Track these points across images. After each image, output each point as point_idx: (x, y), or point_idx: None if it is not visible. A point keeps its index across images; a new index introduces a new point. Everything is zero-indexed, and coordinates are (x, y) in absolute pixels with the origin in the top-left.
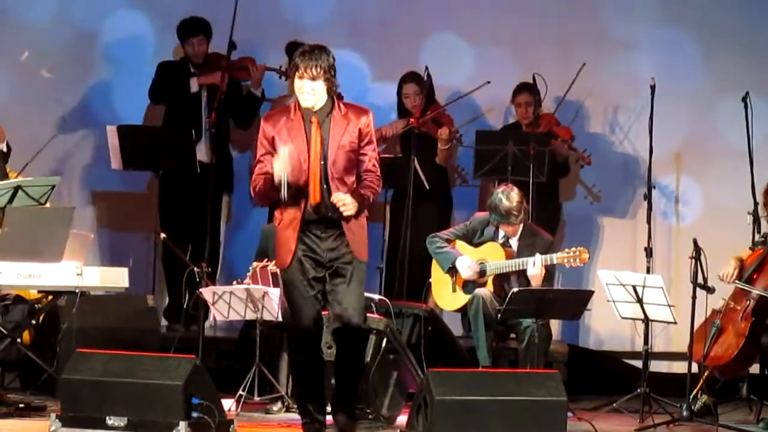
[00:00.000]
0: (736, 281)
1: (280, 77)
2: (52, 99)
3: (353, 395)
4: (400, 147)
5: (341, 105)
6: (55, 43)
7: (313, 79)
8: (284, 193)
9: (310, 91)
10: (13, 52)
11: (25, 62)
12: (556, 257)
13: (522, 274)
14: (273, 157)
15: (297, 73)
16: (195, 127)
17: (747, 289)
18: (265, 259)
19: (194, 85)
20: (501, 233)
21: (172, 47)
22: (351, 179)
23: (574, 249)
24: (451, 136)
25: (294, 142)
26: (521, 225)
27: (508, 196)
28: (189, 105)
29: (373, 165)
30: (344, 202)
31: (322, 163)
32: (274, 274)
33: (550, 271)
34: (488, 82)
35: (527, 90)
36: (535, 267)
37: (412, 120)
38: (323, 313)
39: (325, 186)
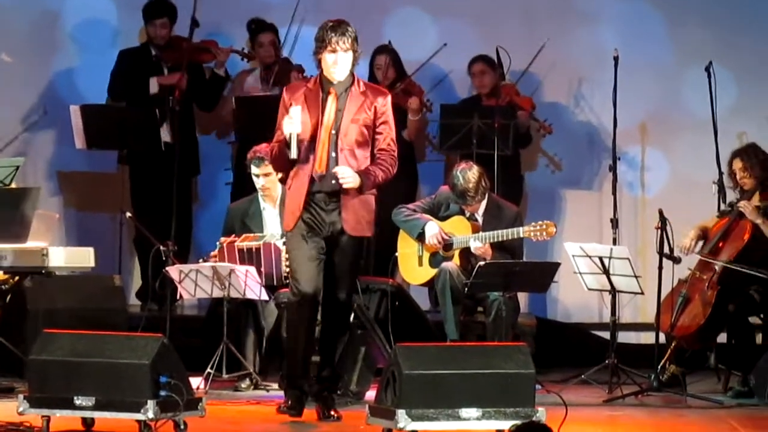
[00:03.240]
0: (696, 252)
1: (242, 59)
2: (15, 82)
3: (333, 369)
4: None
5: (361, 82)
6: (18, 23)
7: (346, 51)
8: (294, 151)
9: (345, 63)
10: None
11: None
12: (522, 231)
13: (490, 247)
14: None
15: (328, 48)
16: (159, 108)
17: (710, 261)
18: (233, 235)
19: (153, 86)
20: (465, 208)
21: (136, 28)
22: (363, 154)
23: (541, 222)
24: (421, 105)
25: (309, 110)
26: (485, 200)
27: (464, 176)
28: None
29: (388, 144)
30: (344, 174)
31: (333, 132)
32: (240, 251)
33: (516, 244)
34: (445, 44)
35: (482, 60)
36: (475, 244)
37: None
38: None
39: (333, 155)
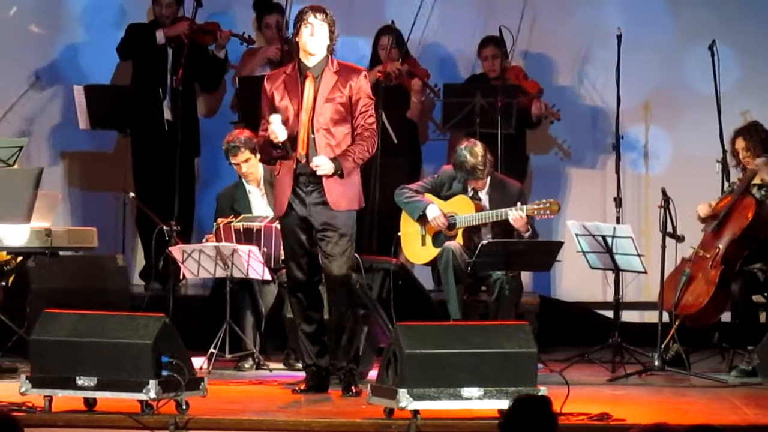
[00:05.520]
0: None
1: (242, 43)
2: (26, 56)
3: (349, 350)
4: None
5: (335, 62)
6: (24, 1)
7: (322, 22)
8: (289, 151)
9: (321, 35)
10: None
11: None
12: (526, 209)
13: (494, 226)
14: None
15: (304, 22)
16: (161, 86)
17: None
18: (231, 216)
19: (160, 36)
20: (470, 186)
21: (141, 8)
22: (343, 131)
23: (544, 201)
24: (424, 87)
25: (290, 95)
26: (488, 177)
27: (471, 152)
28: (156, 61)
29: (366, 121)
30: (318, 163)
31: (312, 114)
32: (237, 231)
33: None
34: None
35: (493, 43)
36: (513, 215)
37: (378, 73)
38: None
39: (312, 135)
